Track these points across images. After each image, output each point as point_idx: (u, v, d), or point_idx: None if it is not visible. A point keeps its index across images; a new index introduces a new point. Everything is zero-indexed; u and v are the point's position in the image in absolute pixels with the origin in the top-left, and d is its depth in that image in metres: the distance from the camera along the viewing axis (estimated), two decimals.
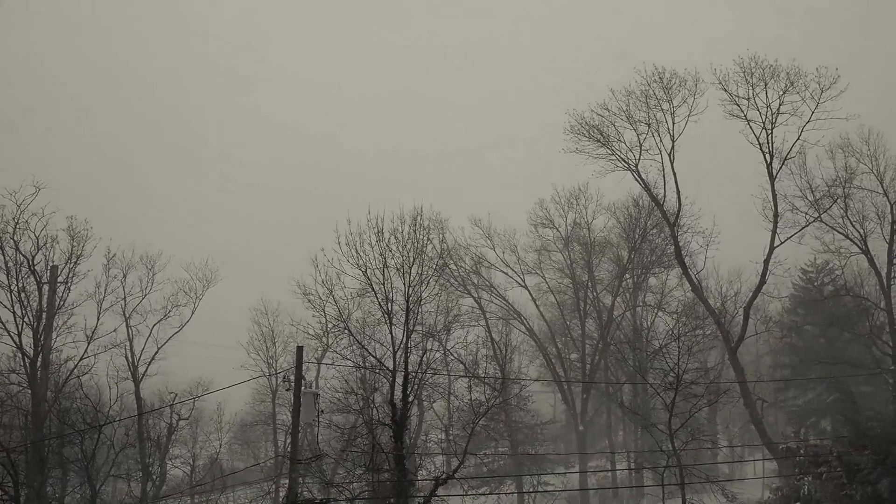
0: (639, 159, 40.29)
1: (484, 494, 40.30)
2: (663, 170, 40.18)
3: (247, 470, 52.50)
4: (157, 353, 45.77)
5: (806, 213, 39.82)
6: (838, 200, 40.50)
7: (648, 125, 39.54)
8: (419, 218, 27.39)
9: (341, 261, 26.89)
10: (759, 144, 38.49)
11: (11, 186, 35.94)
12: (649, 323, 55.16)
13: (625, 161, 40.39)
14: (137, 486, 42.00)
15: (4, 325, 35.50)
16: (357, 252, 26.54)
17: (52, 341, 36.99)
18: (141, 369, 45.52)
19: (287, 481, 19.77)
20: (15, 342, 35.69)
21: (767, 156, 38.45)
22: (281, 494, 42.83)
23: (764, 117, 38.11)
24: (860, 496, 23.87)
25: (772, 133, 38.20)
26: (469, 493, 37.38)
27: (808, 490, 26.02)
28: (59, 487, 28.39)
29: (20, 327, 36.02)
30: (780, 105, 37.70)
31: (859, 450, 25.65)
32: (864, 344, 43.51)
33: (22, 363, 35.74)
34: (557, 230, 52.59)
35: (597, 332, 53.52)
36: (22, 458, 25.98)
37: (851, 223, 42.08)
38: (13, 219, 35.85)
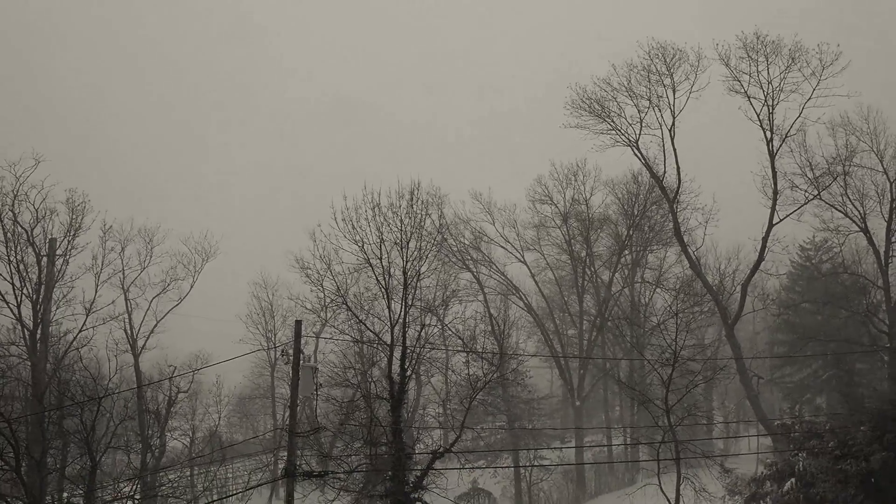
0: (639, 135, 40.19)
1: (481, 468, 40.70)
2: (663, 146, 40.09)
3: (246, 442, 52.95)
4: (155, 326, 46.00)
5: (805, 191, 39.78)
6: (838, 178, 40.42)
7: (649, 100, 39.37)
8: (417, 192, 27.34)
9: (338, 236, 26.90)
10: (760, 122, 38.37)
11: (10, 158, 35.92)
12: (647, 299, 55.34)
13: (625, 136, 40.28)
14: (137, 458, 42.35)
15: (4, 297, 35.58)
16: (354, 227, 26.52)
17: (52, 314, 37.10)
18: (140, 342, 45.75)
19: (286, 454, 19.93)
20: (14, 314, 35.80)
21: (768, 133, 38.33)
22: (279, 467, 43.23)
23: (765, 94, 37.95)
24: (855, 471, 24.08)
25: (773, 110, 38.08)
26: (466, 466, 37.75)
27: (803, 465, 26.23)
28: (60, 458, 28.60)
29: (19, 299, 36.11)
30: (781, 82, 37.53)
31: (855, 426, 25.86)
32: (861, 322, 43.68)
33: (21, 335, 35.88)
34: (556, 206, 52.58)
35: (594, 309, 53.69)
36: (23, 428, 26.17)
37: (851, 201, 42.05)
38: (12, 191, 35.80)
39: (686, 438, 31.80)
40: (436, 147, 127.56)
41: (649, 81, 39.12)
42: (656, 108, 39.43)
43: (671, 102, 39.20)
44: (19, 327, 35.94)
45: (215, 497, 43.79)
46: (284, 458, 20.51)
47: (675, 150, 39.82)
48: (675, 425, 27.19)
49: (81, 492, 19.60)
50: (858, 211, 42.08)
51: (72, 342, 37.30)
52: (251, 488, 35.49)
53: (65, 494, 21.76)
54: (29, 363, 35.66)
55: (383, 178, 27.66)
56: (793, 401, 51.26)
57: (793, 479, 26.41)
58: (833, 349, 43.37)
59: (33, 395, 32.41)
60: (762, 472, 29.40)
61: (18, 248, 36.30)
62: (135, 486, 25.88)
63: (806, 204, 39.72)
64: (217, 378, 54.70)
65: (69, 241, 37.94)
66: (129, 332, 45.43)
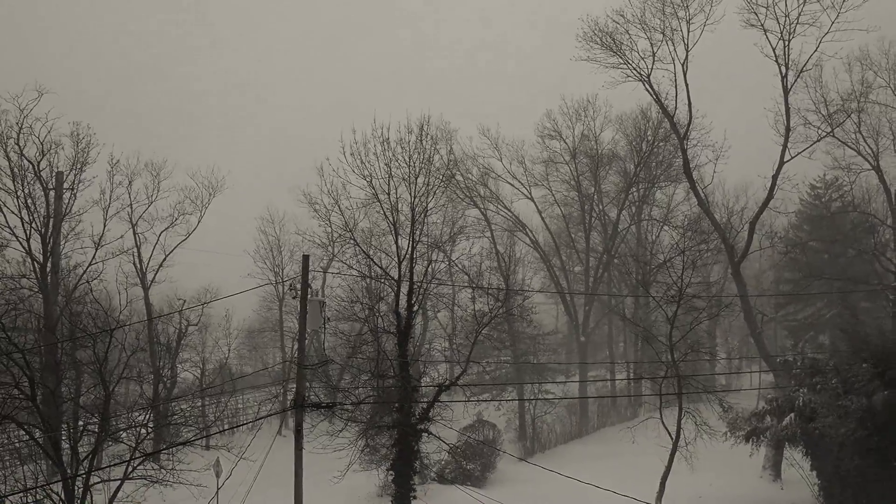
0: (651, 69, 39.37)
1: (485, 401, 41.42)
2: (675, 81, 39.28)
3: (255, 374, 53.93)
4: (164, 259, 46.35)
5: (818, 128, 39.15)
6: (852, 115, 39.77)
7: (663, 33, 38.42)
8: (426, 127, 27.02)
9: (346, 171, 26.71)
10: (776, 57, 37.48)
11: (13, 91, 35.60)
12: (654, 237, 55.32)
13: (637, 71, 39.46)
14: (149, 388, 43.27)
15: (13, 231, 35.81)
16: (362, 162, 26.31)
17: (61, 247, 37.40)
18: (149, 276, 46.19)
19: (294, 385, 20.28)
20: (24, 247, 36.11)
21: (783, 68, 37.49)
22: (288, 398, 44.12)
23: (781, 27, 36.95)
24: (855, 407, 24.38)
25: (788, 44, 37.13)
26: (471, 399, 38.43)
27: (803, 401, 26.56)
28: (74, 388, 29.24)
29: (28, 233, 36.35)
30: (799, 14, 36.44)
31: (857, 363, 26.06)
32: (868, 261, 43.65)
33: (32, 268, 36.25)
34: (565, 142, 52.08)
35: (601, 246, 53.73)
36: (36, 359, 26.65)
37: (864, 139, 41.54)
38: (17, 123, 35.62)
39: (689, 374, 32.20)
40: (444, 79, 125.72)
41: (664, 13, 38.12)
42: (669, 42, 38.54)
43: (685, 36, 38.29)
44: (29, 261, 36.28)
45: (226, 427, 44.89)
46: (293, 389, 20.87)
47: (687, 85, 39.06)
48: (679, 361, 27.48)
49: (96, 420, 20.05)
50: (871, 149, 41.60)
51: (82, 275, 37.69)
52: (261, 418, 36.21)
53: (80, 423, 22.28)
54: (41, 296, 36.13)
55: (392, 113, 27.32)
56: (796, 338, 51.69)
57: (792, 414, 26.77)
58: (839, 288, 43.45)
59: (45, 327, 32.93)
60: (763, 407, 29.82)
61: (25, 182, 36.37)
62: (148, 416, 26.48)
63: (819, 141, 39.17)
64: (226, 312, 55.30)
65: (76, 175, 37.99)
66: (138, 265, 45.84)
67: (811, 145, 38.95)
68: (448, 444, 28.73)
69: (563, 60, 41.59)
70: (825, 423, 24.95)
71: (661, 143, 50.45)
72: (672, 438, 27.00)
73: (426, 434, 26.11)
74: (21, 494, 17.90)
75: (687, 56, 38.56)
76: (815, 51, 36.67)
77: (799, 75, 37.55)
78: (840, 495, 25.65)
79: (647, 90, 40.04)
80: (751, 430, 28.30)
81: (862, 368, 25.51)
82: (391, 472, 26.21)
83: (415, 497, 25.71)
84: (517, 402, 44.81)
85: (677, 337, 27.76)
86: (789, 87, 37.59)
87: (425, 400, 27.26)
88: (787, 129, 37.66)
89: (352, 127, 26.53)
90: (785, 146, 37.75)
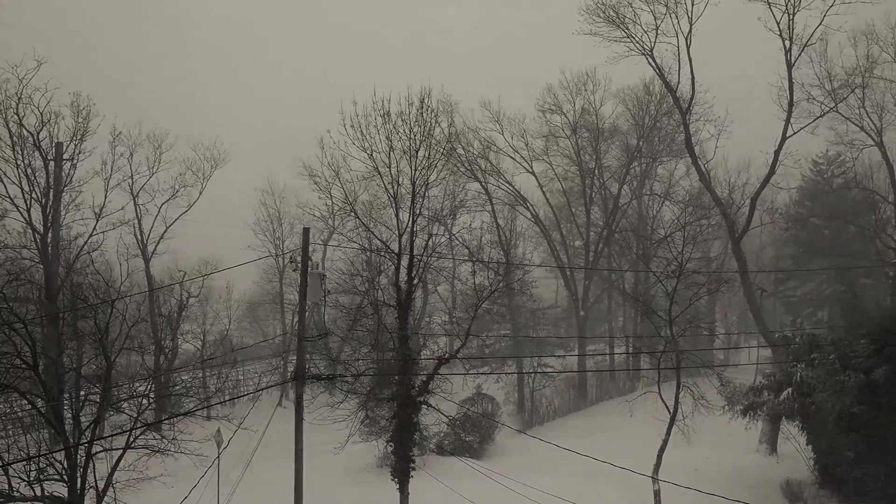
0: (654, 43, 39.05)
1: (485, 374, 41.68)
2: (678, 54, 38.97)
3: (256, 346, 54.21)
4: (165, 231, 46.40)
5: (822, 103, 38.96)
6: (856, 90, 39.55)
7: (666, 6, 38.05)
8: (427, 100, 26.80)
9: (347, 143, 26.56)
10: (780, 31, 37.15)
11: (12, 60, 35.38)
12: (655, 212, 55.26)
13: (640, 45, 39.16)
14: (150, 359, 43.50)
15: (13, 201, 35.78)
16: (363, 134, 26.12)
17: (62, 218, 37.39)
18: (150, 247, 46.26)
19: (295, 357, 20.40)
20: (24, 218, 36.10)
21: (787, 42, 37.19)
22: (289, 370, 44.40)
23: (786, 0, 36.61)
24: (853, 382, 24.51)
25: (793, 18, 36.77)
26: (471, 372, 38.67)
27: (801, 376, 26.70)
28: (76, 358, 29.35)
29: (29, 203, 36.33)
30: None
31: (856, 338, 26.16)
32: (868, 237, 43.67)
33: (33, 239, 36.27)
34: (565, 116, 51.77)
35: (602, 220, 53.70)
36: (38, 330, 26.75)
37: (868, 114, 41.35)
38: (16, 93, 35.43)
39: (687, 349, 32.32)
40: (446, 53, 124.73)
41: None
42: (673, 15, 38.17)
43: (688, 9, 37.91)
44: (30, 231, 36.30)
45: (227, 398, 45.20)
46: (293, 361, 21.00)
47: (690, 59, 38.78)
48: (677, 336, 27.57)
49: (98, 390, 20.18)
50: (875, 125, 41.42)
51: (83, 246, 37.73)
52: (261, 390, 36.65)
53: (81, 393, 22.44)
54: (41, 266, 36.19)
55: (393, 85, 27.10)
56: (795, 314, 51.92)
57: (790, 389, 26.93)
58: (839, 264, 43.52)
59: (46, 298, 33.01)
60: (760, 382, 29.99)
61: (25, 152, 36.26)
62: (149, 386, 26.66)
63: (822, 116, 38.99)
64: (227, 284, 55.52)
65: (76, 146, 37.86)
66: (139, 237, 45.89)
67: (814, 120, 38.79)
68: (447, 417, 28.96)
69: (566, 35, 41.26)
70: (822, 398, 25.11)
71: (663, 118, 50.19)
72: (670, 412, 27.16)
73: (425, 406, 26.28)
74: (24, 463, 18.05)
75: (690, 30, 38.26)
76: (820, 24, 36.40)
77: (803, 50, 37.29)
78: (834, 469, 25.91)
79: (650, 64, 39.79)
80: (748, 405, 28.49)
81: (860, 344, 25.62)
82: (390, 443, 26.43)
83: (414, 468, 25.93)
84: (516, 375, 45.08)
85: (676, 312, 27.80)
86: (793, 61, 37.32)
87: (425, 372, 27.38)
88: (791, 105, 37.45)
89: (352, 99, 26.37)
90: (788, 121, 37.56)
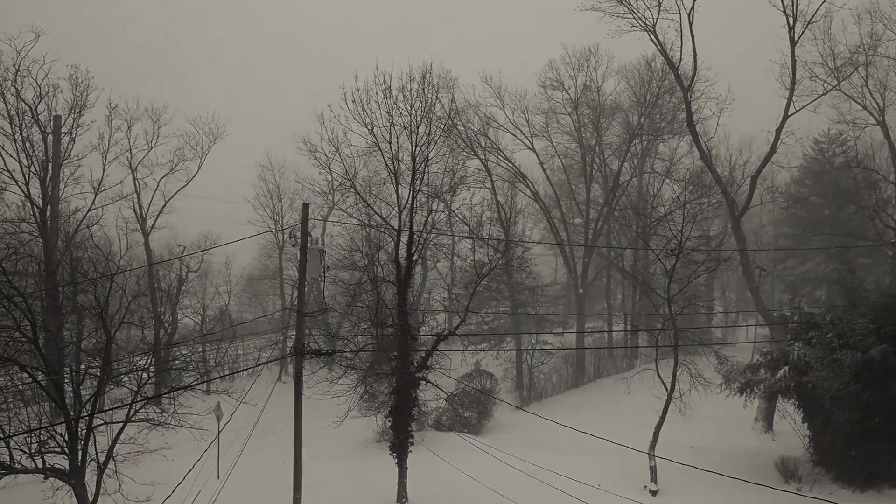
0: (657, 19, 38.62)
1: (484, 350, 41.83)
2: (681, 31, 38.55)
3: (255, 321, 54.40)
4: (164, 206, 46.36)
5: (825, 82, 38.68)
6: (860, 68, 39.27)
7: None
8: (428, 75, 26.60)
9: (348, 118, 26.40)
10: (784, 7, 36.78)
11: (9, 32, 35.06)
12: (655, 190, 55.14)
13: (642, 20, 38.74)
14: (150, 333, 43.65)
15: (11, 174, 35.66)
16: (364, 109, 25.98)
17: (60, 192, 37.29)
18: (149, 222, 46.27)
19: (294, 333, 20.46)
20: (23, 191, 36.00)
21: (790, 19, 36.81)
22: (288, 345, 44.56)
23: None
24: (850, 361, 24.62)
25: None
26: (469, 349, 38.80)
27: (798, 354, 26.80)
28: (76, 332, 29.44)
29: (27, 177, 36.20)
30: None
31: (853, 318, 26.22)
32: (868, 217, 43.61)
33: (32, 212, 36.20)
34: (567, 92, 51.45)
35: (602, 198, 53.59)
36: (38, 304, 26.79)
37: (871, 93, 41.10)
38: (13, 65, 35.16)
39: (685, 327, 32.39)
40: (447, 28, 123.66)
41: None
42: None
43: None
44: (29, 205, 36.22)
45: (226, 372, 45.43)
46: (293, 336, 21.06)
47: (692, 35, 38.37)
48: (676, 314, 27.64)
49: (98, 364, 20.25)
50: (877, 103, 41.20)
51: (81, 220, 37.68)
52: (261, 364, 36.80)
53: (82, 366, 22.51)
54: (41, 240, 36.16)
55: (395, 60, 26.90)
56: (793, 293, 51.99)
57: (787, 367, 27.03)
58: (838, 243, 43.52)
59: (46, 272, 33.03)
60: (757, 360, 30.10)
61: (23, 125, 36.06)
62: (149, 360, 26.76)
63: (824, 94, 38.73)
64: (226, 259, 55.61)
65: (74, 119, 37.67)
66: (138, 211, 45.87)
67: (817, 98, 38.55)
68: (446, 393, 29.11)
69: (568, 12, 40.84)
70: (819, 377, 25.24)
71: (665, 95, 49.89)
72: (667, 390, 27.34)
73: (424, 382, 26.42)
74: (25, 435, 18.16)
75: (693, 5, 37.86)
76: (824, 1, 36.04)
77: (807, 27, 36.92)
78: (830, 447, 26.12)
79: (652, 40, 39.40)
80: (745, 383, 28.61)
81: (858, 323, 25.70)
82: (389, 418, 26.60)
83: (412, 443, 26.14)
84: (515, 352, 45.24)
85: (675, 290, 27.86)
86: (796, 38, 36.99)
87: (424, 349, 27.49)
88: (793, 82, 37.19)
89: (353, 73, 26.19)
90: (790, 99, 37.32)
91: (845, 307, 28.47)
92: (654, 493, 25.66)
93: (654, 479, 26.12)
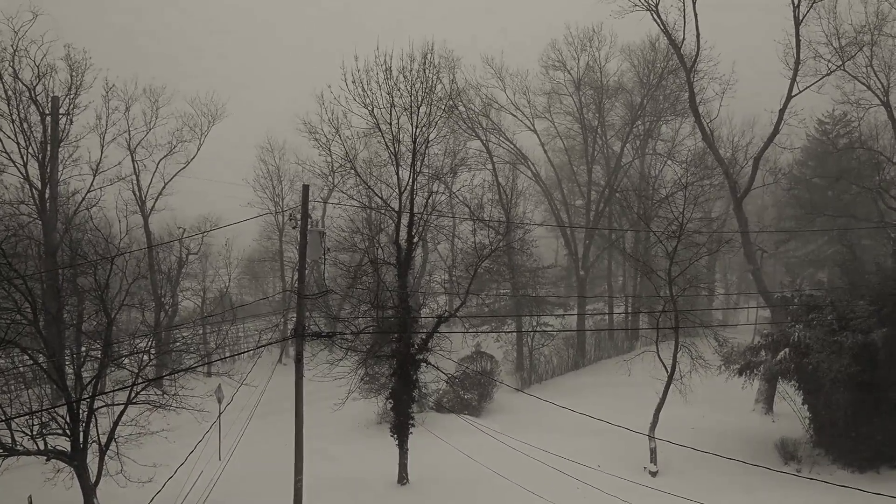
0: None
1: (484, 332, 41.84)
2: (684, 10, 38.21)
3: (255, 303, 54.40)
4: (164, 187, 46.19)
5: (829, 62, 38.28)
6: (864, 48, 38.85)
7: None
8: (429, 55, 26.37)
9: (348, 99, 26.18)
10: None
11: (7, 12, 34.72)
12: (657, 171, 54.87)
13: (645, 0, 38.42)
14: (151, 315, 43.68)
15: (10, 156, 35.46)
16: (364, 90, 25.77)
17: (59, 173, 37.12)
18: (149, 204, 46.10)
19: (295, 315, 20.41)
20: (21, 173, 35.83)
21: None
22: (289, 327, 44.59)
23: None
24: (850, 343, 24.61)
25: None
26: (470, 331, 38.84)
27: (798, 336, 26.78)
28: (76, 314, 29.45)
29: (25, 158, 36.01)
30: None
31: (855, 300, 26.16)
32: (872, 198, 43.36)
33: (30, 194, 36.05)
34: (569, 73, 51.10)
35: (604, 179, 53.37)
36: (37, 286, 26.75)
37: (875, 73, 40.66)
38: (11, 45, 34.85)
39: (686, 309, 32.33)
40: (449, 8, 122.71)
41: None
42: None
43: None
44: (27, 186, 36.06)
45: (227, 354, 45.51)
46: (293, 318, 21.01)
47: (695, 14, 38.01)
48: (677, 296, 27.59)
49: (98, 346, 20.24)
50: (882, 84, 40.77)
51: (81, 202, 37.54)
52: (261, 346, 36.75)
53: (82, 348, 22.52)
54: (40, 222, 36.05)
55: (396, 39, 26.66)
56: (795, 275, 51.87)
57: (787, 349, 27.02)
58: (840, 225, 43.32)
59: (46, 254, 32.96)
60: (758, 342, 30.09)
61: (21, 106, 35.83)
62: (150, 343, 26.76)
63: (829, 74, 38.35)
64: (226, 241, 55.43)
65: (71, 100, 37.39)
66: (137, 193, 45.70)
67: (821, 79, 38.18)
68: (446, 374, 29.14)
69: None
70: (819, 359, 25.23)
71: (668, 76, 49.53)
72: (667, 371, 27.35)
73: (425, 364, 26.44)
74: (27, 417, 18.19)
75: None
76: None
77: (812, 5, 36.55)
78: (829, 428, 26.17)
79: (655, 20, 39.03)
80: (745, 364, 28.63)
81: (859, 305, 25.64)
82: (390, 400, 26.66)
83: (413, 425, 26.20)
84: (515, 334, 45.26)
85: (676, 272, 27.78)
86: (801, 18, 36.61)
87: (424, 330, 27.48)
88: (797, 62, 36.85)
89: (354, 53, 25.97)
90: (794, 79, 37.01)
91: (846, 289, 28.39)
92: (653, 474, 25.75)
93: (654, 460, 26.20)
